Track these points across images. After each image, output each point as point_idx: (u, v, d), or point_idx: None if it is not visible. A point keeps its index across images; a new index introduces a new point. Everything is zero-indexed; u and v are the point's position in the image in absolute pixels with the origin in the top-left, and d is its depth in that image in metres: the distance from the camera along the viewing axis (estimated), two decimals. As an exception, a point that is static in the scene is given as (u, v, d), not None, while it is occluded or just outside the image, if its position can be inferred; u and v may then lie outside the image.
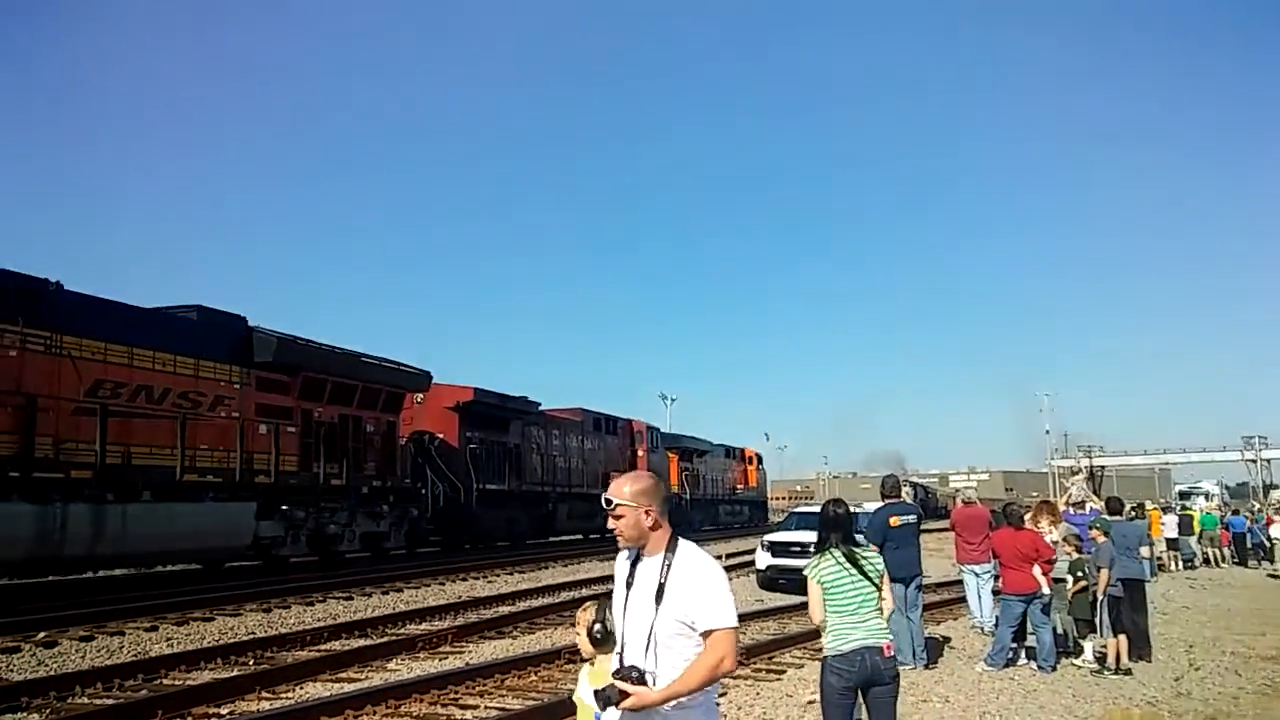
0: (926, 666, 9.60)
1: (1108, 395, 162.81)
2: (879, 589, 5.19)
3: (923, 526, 11.20)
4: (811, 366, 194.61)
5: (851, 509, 17.74)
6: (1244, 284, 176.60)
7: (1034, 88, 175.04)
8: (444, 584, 17.58)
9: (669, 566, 2.99)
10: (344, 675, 9.32)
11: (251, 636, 11.53)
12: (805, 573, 5.36)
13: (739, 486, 46.82)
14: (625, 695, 2.83)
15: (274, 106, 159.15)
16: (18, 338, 13.17)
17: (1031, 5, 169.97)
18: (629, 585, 3.07)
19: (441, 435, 24.11)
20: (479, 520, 24.92)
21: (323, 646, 10.97)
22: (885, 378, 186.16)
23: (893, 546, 9.97)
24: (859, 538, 5.99)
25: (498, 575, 19.48)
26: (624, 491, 3.05)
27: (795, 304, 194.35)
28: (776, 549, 17.66)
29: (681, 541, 3.07)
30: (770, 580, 17.82)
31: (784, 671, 9.37)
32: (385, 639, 11.37)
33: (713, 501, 43.49)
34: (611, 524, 3.10)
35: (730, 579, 16.76)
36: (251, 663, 9.96)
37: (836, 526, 5.43)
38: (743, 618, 13.37)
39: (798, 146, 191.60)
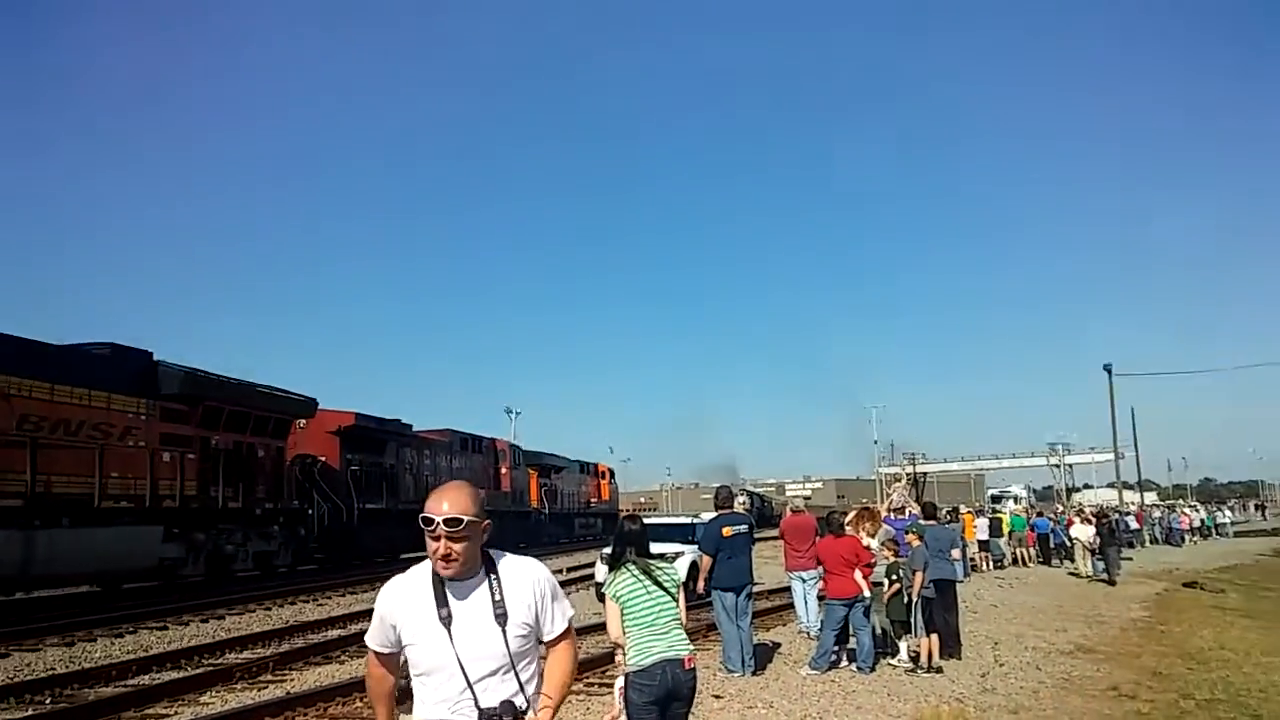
0: (755, 673, 9.84)
1: (930, 406, 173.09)
2: (676, 600, 5.17)
3: (756, 535, 11.50)
4: (649, 378, 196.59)
5: (690, 519, 17.91)
6: (1049, 299, 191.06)
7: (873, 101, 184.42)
8: (270, 609, 16.80)
9: (499, 583, 2.66)
10: (151, 711, 8.76)
11: (50, 673, 10.69)
12: (603, 590, 5.30)
13: (593, 500, 48.67)
14: None
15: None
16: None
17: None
18: (447, 621, 2.60)
19: (324, 458, 25.36)
20: (361, 538, 26.17)
21: (130, 681, 10.28)
22: (722, 389, 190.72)
23: (726, 556, 10.21)
24: (657, 547, 5.98)
25: (329, 598, 18.77)
26: (470, 506, 2.61)
27: (630, 315, 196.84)
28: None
29: (494, 551, 2.76)
30: (608, 594, 17.86)
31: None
32: (200, 670, 10.74)
33: (569, 515, 44.88)
34: (446, 549, 2.57)
35: (570, 592, 16.62)
36: (48, 702, 9.22)
37: (631, 541, 5.40)
38: (580, 631, 13.39)
39: (625, 152, 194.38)
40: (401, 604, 2.71)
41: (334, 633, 13.82)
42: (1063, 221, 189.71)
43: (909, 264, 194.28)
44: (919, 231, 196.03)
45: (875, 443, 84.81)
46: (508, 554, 2.80)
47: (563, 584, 2.97)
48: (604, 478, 51.29)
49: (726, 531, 10.25)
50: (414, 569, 2.77)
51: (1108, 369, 50.30)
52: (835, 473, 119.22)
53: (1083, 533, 24.92)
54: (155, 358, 18.91)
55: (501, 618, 2.62)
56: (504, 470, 36.18)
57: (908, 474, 75.76)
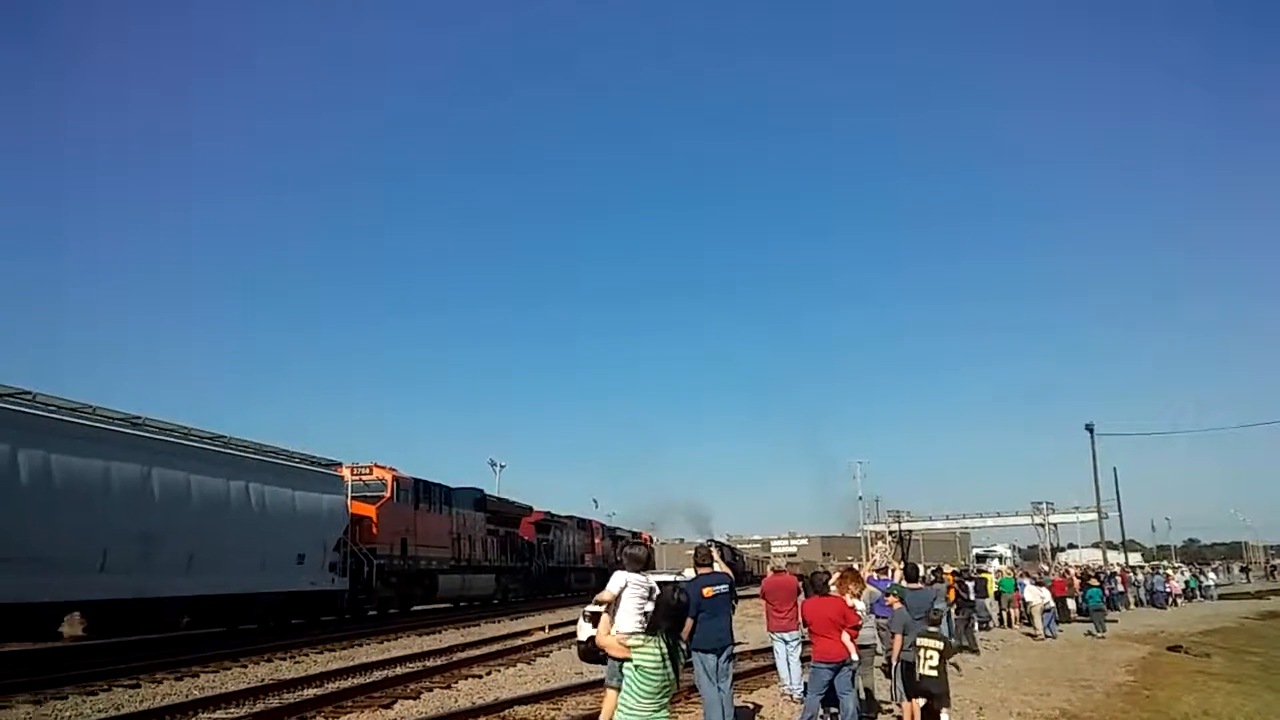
0: (736, 738, 9.72)
1: (913, 462, 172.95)
2: (678, 685, 5.13)
3: (738, 593, 11.39)
4: (620, 430, 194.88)
5: (675, 577, 17.79)
6: (1028, 360, 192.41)
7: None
8: (246, 667, 16.50)
9: None
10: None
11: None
12: (629, 641, 5.03)
13: (643, 560, 64.50)
14: None
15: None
16: (449, 511, 33.71)
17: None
18: None
19: (526, 537, 43.41)
20: (544, 582, 45.44)
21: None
22: (700, 441, 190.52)
23: (706, 616, 10.10)
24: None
25: (306, 655, 18.47)
26: None
27: (607, 371, 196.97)
28: (597, 620, 17.43)
29: None
30: (591, 652, 17.59)
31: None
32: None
33: None
34: None
35: (554, 650, 16.34)
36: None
37: (672, 616, 5.17)
38: (560, 691, 13.22)
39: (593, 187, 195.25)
40: None
41: (310, 691, 13.58)
42: (1054, 283, 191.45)
43: (893, 319, 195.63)
44: (903, 289, 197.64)
45: (860, 499, 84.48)
46: None
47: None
48: (650, 544, 67.23)
49: (707, 592, 10.15)
50: None
51: (1090, 428, 50.59)
52: (820, 529, 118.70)
53: (1035, 595, 25.37)
54: (485, 492, 39.05)
55: None
56: (598, 541, 56.01)
57: (892, 532, 75.57)
